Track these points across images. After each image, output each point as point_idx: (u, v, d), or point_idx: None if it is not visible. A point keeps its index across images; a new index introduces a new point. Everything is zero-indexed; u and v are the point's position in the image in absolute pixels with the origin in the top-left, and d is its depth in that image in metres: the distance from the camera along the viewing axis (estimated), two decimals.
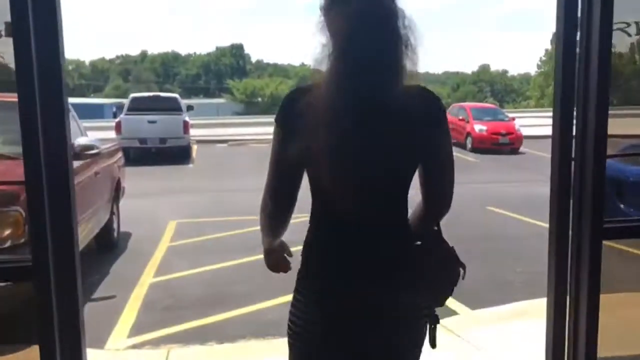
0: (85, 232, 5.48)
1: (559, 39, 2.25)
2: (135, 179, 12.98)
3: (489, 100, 71.71)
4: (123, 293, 5.11)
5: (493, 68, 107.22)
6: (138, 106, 16.20)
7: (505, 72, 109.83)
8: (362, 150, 1.48)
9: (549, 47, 67.32)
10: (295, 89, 1.67)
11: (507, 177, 13.52)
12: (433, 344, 1.65)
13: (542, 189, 11.13)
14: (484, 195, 10.76)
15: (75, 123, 6.03)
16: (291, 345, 1.68)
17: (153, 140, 15.63)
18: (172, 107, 16.42)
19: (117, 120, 16.00)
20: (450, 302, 4.73)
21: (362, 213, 1.51)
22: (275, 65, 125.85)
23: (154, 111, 15.85)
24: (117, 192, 7.10)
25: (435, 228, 1.73)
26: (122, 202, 7.74)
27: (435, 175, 1.66)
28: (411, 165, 1.60)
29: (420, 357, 1.70)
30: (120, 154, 7.70)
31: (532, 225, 8.09)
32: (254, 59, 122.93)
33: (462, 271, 1.74)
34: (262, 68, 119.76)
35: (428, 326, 1.66)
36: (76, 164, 5.21)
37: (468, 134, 18.80)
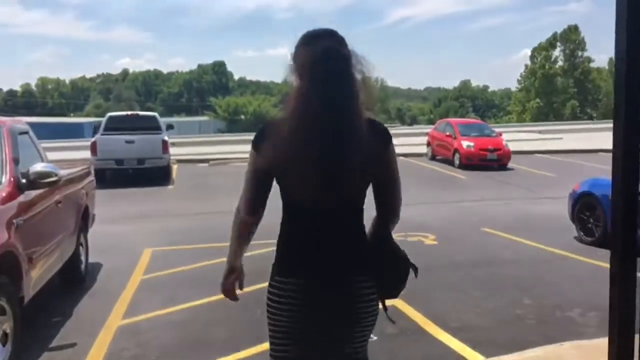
0: (46, 267, 4.89)
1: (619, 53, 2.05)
2: (111, 202, 12.37)
3: (470, 116, 72.11)
4: (85, 339, 4.49)
5: (474, 83, 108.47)
6: (115, 125, 15.59)
7: (486, 87, 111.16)
8: (323, 172, 1.87)
9: (528, 62, 67.94)
10: (267, 123, 2.09)
11: (497, 194, 13.11)
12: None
13: (535, 207, 10.76)
14: (476, 215, 10.32)
15: (33, 147, 5.45)
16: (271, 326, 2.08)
17: (130, 161, 15.00)
18: (150, 126, 15.82)
19: (92, 140, 15.31)
20: (461, 349, 4.28)
21: (323, 218, 1.98)
22: (257, 83, 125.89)
23: (131, 131, 15.24)
24: (84, 220, 6.50)
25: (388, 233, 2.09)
26: (95, 229, 7.17)
27: (386, 189, 2.07)
28: (364, 183, 2.01)
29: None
30: (90, 178, 7.12)
31: (530, 249, 7.65)
32: (236, 77, 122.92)
33: (412, 271, 2.08)
34: (245, 85, 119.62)
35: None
36: (33, 193, 4.65)
37: (455, 150, 18.44)
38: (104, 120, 16.21)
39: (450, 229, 9.14)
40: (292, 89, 1.96)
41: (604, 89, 65.32)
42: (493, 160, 17.96)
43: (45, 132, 21.64)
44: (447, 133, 19.28)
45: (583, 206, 7.93)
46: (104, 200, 12.78)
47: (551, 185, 14.28)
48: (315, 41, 1.93)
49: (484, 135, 19.27)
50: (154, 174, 15.25)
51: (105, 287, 6.07)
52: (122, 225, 9.85)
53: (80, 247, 6.21)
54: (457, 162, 18.24)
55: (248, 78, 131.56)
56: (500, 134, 19.78)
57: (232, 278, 2.24)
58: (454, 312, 5.06)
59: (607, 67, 66.92)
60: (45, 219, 4.93)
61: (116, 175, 15.49)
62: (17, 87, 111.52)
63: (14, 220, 4.10)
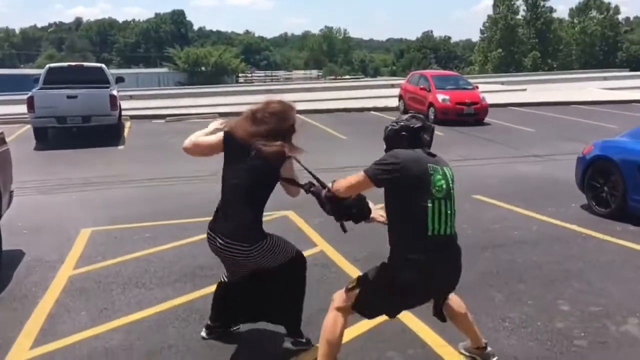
0: None
1: None
2: (50, 166, 10.87)
3: (433, 67, 71.17)
4: None
5: (436, 34, 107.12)
6: (56, 78, 13.83)
7: (448, 38, 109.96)
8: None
9: (491, 13, 67.04)
10: None
11: (480, 153, 12.06)
12: None
13: (524, 168, 9.38)
14: (463, 178, 9.18)
15: None
16: None
17: (74, 119, 13.32)
18: (96, 79, 14.11)
19: (28, 95, 13.52)
20: None
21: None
22: (218, 33, 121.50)
23: (75, 84, 13.52)
24: None
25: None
26: (23, 202, 5.91)
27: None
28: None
29: None
30: (2, 148, 5.69)
31: (536, 222, 6.59)
32: (196, 26, 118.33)
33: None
34: (205, 36, 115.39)
35: None
36: None
37: (430, 104, 17.27)
38: (42, 72, 14.40)
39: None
40: None
41: (565, 39, 65.12)
42: (470, 115, 16.88)
43: None
44: (421, 86, 18.05)
45: (596, 172, 6.90)
46: (41, 164, 11.30)
47: (534, 141, 13.35)
48: None
49: (460, 88, 18.13)
50: (101, 133, 13.65)
51: (20, 291, 4.73)
52: (58, 196, 8.43)
53: None
54: (432, 116, 17.07)
55: (208, 28, 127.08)
56: (477, 87, 18.68)
57: None
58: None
59: (567, 18, 66.54)
60: None
61: (58, 135, 13.84)
62: None
63: None
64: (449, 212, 2.92)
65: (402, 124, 3.06)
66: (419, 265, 2.85)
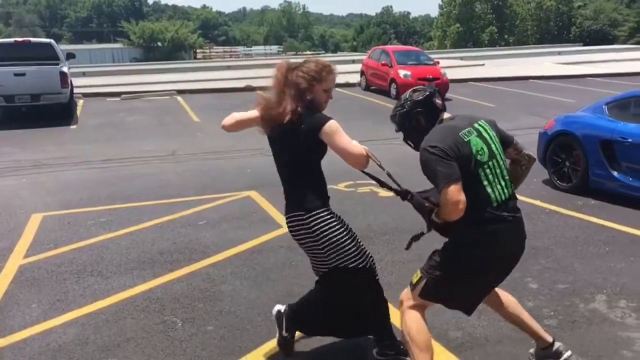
0: None
1: None
2: None
3: (393, 42, 71.21)
4: None
5: (396, 10, 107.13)
6: (1, 55, 13.11)
7: (407, 13, 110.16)
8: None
9: None
10: None
11: None
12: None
13: None
14: None
15: None
16: None
17: (22, 97, 12.66)
18: (46, 55, 13.42)
19: None
20: None
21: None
22: (174, 7, 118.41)
23: (22, 61, 12.85)
24: None
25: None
26: None
27: None
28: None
29: None
30: None
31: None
32: (150, 0, 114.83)
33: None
34: (160, 10, 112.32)
35: None
36: None
37: (392, 80, 17.15)
38: None
39: (405, 174, 7.94)
40: None
41: (521, 15, 66.01)
42: None
43: None
44: (383, 61, 17.90)
45: (558, 147, 6.91)
46: None
47: (495, 116, 12.77)
48: None
49: (421, 63, 18.06)
50: (52, 112, 13.05)
51: None
52: (7, 179, 8.01)
53: None
54: (393, 92, 17.00)
55: (163, 2, 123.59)
56: (438, 62, 18.66)
57: None
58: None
59: None
60: None
61: (5, 115, 13.18)
62: None
63: None
64: (497, 171, 2.69)
65: (410, 102, 2.82)
66: (488, 236, 2.64)
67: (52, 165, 8.94)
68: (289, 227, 3.02)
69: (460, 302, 2.85)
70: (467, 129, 2.71)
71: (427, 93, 2.84)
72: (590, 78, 21.54)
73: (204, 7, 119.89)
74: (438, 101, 2.84)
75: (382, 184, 3.09)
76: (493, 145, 2.74)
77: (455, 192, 2.53)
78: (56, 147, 10.36)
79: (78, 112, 14.46)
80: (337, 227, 2.93)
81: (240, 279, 4.41)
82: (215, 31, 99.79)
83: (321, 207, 2.93)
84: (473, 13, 65.67)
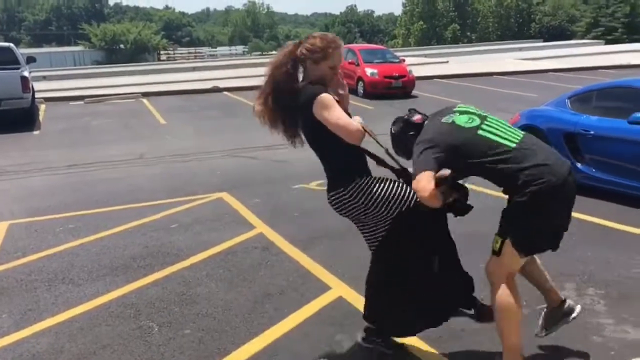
0: None
1: None
2: None
3: (358, 41, 71.64)
4: None
5: (360, 9, 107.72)
6: None
7: (371, 12, 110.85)
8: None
9: None
10: None
11: None
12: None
13: None
14: None
15: None
16: None
17: None
18: (5, 59, 13.10)
19: None
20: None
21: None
22: (136, 8, 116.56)
23: None
24: None
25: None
26: None
27: None
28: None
29: None
30: None
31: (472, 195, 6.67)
32: (111, 2, 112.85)
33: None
34: (122, 12, 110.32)
35: None
36: None
37: (359, 78, 17.27)
38: None
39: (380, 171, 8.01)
40: None
41: (482, 12, 67.20)
42: (398, 88, 17.03)
43: None
44: (350, 60, 17.98)
45: None
46: None
47: None
48: None
49: (387, 61, 18.25)
50: (13, 118, 12.71)
51: None
52: None
53: None
54: (361, 91, 17.15)
55: (125, 3, 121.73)
56: (404, 60, 18.86)
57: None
58: None
59: None
60: None
61: None
62: None
63: None
64: (497, 124, 2.83)
65: (399, 134, 3.09)
66: (537, 166, 2.68)
67: (16, 172, 8.72)
68: (332, 206, 2.98)
69: (555, 235, 2.93)
70: (447, 115, 2.86)
71: (405, 119, 3.04)
72: (551, 73, 22.04)
73: (167, 8, 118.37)
74: (418, 116, 3.02)
75: (379, 162, 3.06)
76: (479, 112, 2.90)
77: (425, 181, 2.65)
78: (19, 153, 10.11)
79: (40, 117, 14.14)
80: (378, 187, 2.89)
81: (215, 281, 4.38)
82: (179, 32, 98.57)
83: (354, 180, 2.87)
84: (436, 11, 66.65)
